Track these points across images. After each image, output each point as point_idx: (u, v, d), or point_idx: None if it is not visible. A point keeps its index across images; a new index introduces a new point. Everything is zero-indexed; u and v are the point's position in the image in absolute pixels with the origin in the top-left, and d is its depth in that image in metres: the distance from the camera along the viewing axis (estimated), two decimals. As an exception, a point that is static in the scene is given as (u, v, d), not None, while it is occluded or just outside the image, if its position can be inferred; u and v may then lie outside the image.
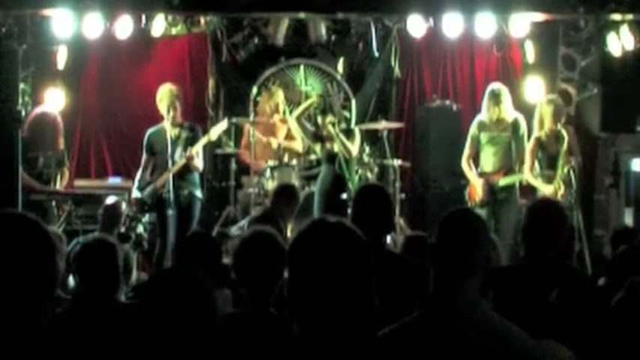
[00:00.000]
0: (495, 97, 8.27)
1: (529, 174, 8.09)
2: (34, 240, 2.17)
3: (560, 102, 8.24)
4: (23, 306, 2.11)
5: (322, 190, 8.87)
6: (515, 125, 8.30)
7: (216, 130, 8.55)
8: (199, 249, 4.50)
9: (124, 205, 7.41)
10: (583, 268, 7.06)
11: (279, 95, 9.75)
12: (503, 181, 8.25)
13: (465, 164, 8.47)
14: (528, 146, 8.14)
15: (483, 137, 8.35)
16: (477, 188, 8.33)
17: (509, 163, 8.31)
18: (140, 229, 7.93)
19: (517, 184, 8.29)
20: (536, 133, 8.12)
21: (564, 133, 7.86)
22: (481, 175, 8.38)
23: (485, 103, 8.38)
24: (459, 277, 2.69)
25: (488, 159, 8.38)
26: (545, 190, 7.91)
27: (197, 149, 8.20)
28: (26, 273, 2.12)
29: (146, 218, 8.06)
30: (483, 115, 8.37)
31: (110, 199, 7.51)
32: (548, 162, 8.03)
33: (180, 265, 4.57)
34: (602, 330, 3.23)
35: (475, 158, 8.49)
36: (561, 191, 7.83)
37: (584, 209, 8.11)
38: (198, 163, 8.25)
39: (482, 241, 2.78)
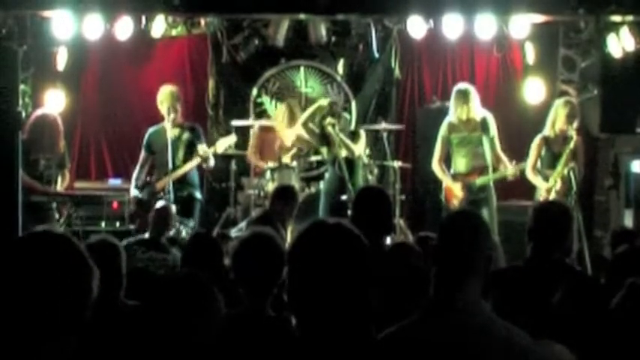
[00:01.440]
0: (463, 97, 8.31)
1: (530, 171, 8.10)
2: (70, 263, 2.04)
3: (575, 105, 8.26)
4: (47, 333, 2.02)
5: (327, 192, 8.88)
6: (484, 124, 8.33)
7: (223, 144, 8.66)
8: (201, 250, 4.51)
9: (173, 209, 7.39)
10: (583, 269, 7.06)
11: (297, 112, 9.70)
12: (479, 181, 8.27)
13: (437, 166, 8.48)
14: (534, 142, 8.17)
15: (454, 138, 8.38)
16: (453, 190, 8.34)
17: (482, 164, 8.33)
18: (184, 233, 7.95)
19: (492, 184, 8.30)
20: (544, 132, 8.13)
21: (573, 134, 7.89)
22: (454, 176, 8.39)
23: (452, 103, 8.41)
24: (461, 278, 2.69)
25: (461, 160, 8.40)
26: (541, 185, 7.96)
27: (210, 151, 8.30)
28: (58, 296, 2.01)
29: (191, 223, 8.10)
30: (452, 116, 8.39)
31: (160, 203, 7.49)
32: (551, 161, 8.05)
33: (183, 266, 4.58)
34: (603, 331, 3.23)
35: (446, 160, 8.51)
36: (557, 187, 7.85)
37: (584, 210, 8.11)
38: (211, 162, 8.42)
39: (483, 242, 2.78)
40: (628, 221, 8.58)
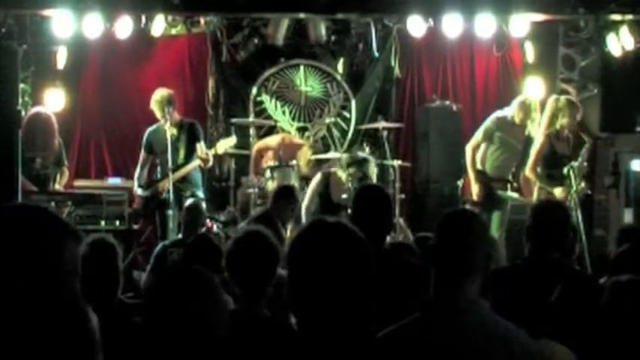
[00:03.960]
0: (528, 107, 8.15)
1: (531, 172, 7.99)
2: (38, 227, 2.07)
3: (578, 105, 8.19)
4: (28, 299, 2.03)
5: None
6: (528, 142, 8.22)
7: (224, 145, 8.70)
8: (202, 251, 4.52)
9: (204, 205, 7.40)
10: (583, 268, 7.06)
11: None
12: (502, 194, 8.20)
13: (470, 152, 8.33)
14: (537, 142, 8.05)
15: (497, 137, 8.25)
16: (473, 188, 8.29)
17: (506, 175, 8.27)
18: (215, 228, 7.99)
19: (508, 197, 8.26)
20: (546, 130, 8.01)
21: (587, 139, 7.85)
22: (479, 173, 8.32)
23: (516, 103, 8.25)
24: (460, 277, 2.69)
25: (492, 159, 8.31)
26: (557, 194, 7.79)
27: (211, 152, 8.32)
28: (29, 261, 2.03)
29: (221, 218, 8.13)
30: (508, 112, 8.25)
31: (190, 201, 7.50)
32: (554, 162, 7.95)
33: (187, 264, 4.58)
34: (600, 330, 3.23)
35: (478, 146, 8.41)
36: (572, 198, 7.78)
37: (584, 209, 8.11)
38: (210, 163, 8.50)
39: (482, 240, 2.78)
40: (628, 220, 8.57)
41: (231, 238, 3.85)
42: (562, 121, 7.98)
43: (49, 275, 2.04)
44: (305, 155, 9.62)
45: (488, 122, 8.35)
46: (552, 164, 8.02)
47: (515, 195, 8.26)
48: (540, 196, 7.79)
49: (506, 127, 8.25)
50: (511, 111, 8.28)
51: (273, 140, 9.72)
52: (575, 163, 7.84)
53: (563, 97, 8.28)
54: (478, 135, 8.37)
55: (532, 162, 8.05)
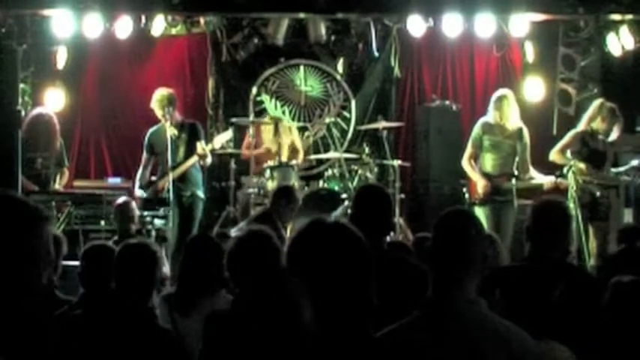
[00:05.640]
0: (499, 102, 8.15)
1: (557, 155, 7.95)
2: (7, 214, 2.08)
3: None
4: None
5: None
6: (519, 133, 8.20)
7: (220, 140, 8.73)
8: (202, 251, 4.50)
9: (134, 203, 7.43)
10: (583, 268, 7.06)
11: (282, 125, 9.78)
12: (508, 185, 8.18)
13: (467, 164, 8.32)
14: (570, 133, 8.04)
15: (486, 141, 8.24)
16: (478, 186, 8.26)
17: (510, 170, 8.24)
18: (159, 223, 8.01)
19: (514, 191, 8.24)
20: (582, 127, 7.99)
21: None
22: (483, 175, 8.30)
23: (491, 105, 8.27)
24: (457, 276, 2.69)
25: (490, 163, 8.27)
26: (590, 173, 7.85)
27: (208, 148, 8.33)
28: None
29: (161, 212, 8.16)
30: (489, 117, 8.28)
31: (121, 199, 7.55)
32: (590, 155, 7.91)
33: (184, 267, 4.54)
34: (599, 330, 3.23)
35: (475, 159, 8.42)
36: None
37: (583, 209, 8.09)
38: (208, 159, 8.46)
39: (477, 240, 2.79)
40: (628, 220, 8.57)
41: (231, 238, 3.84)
42: (597, 124, 7.95)
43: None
44: (286, 131, 9.64)
45: (475, 130, 8.34)
46: (588, 158, 7.92)
47: (532, 184, 8.16)
48: (576, 180, 7.70)
49: (492, 129, 8.24)
50: (490, 114, 8.28)
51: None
52: (573, 162, 7.81)
53: (608, 104, 8.17)
54: (468, 147, 8.36)
55: (559, 147, 8.00)
